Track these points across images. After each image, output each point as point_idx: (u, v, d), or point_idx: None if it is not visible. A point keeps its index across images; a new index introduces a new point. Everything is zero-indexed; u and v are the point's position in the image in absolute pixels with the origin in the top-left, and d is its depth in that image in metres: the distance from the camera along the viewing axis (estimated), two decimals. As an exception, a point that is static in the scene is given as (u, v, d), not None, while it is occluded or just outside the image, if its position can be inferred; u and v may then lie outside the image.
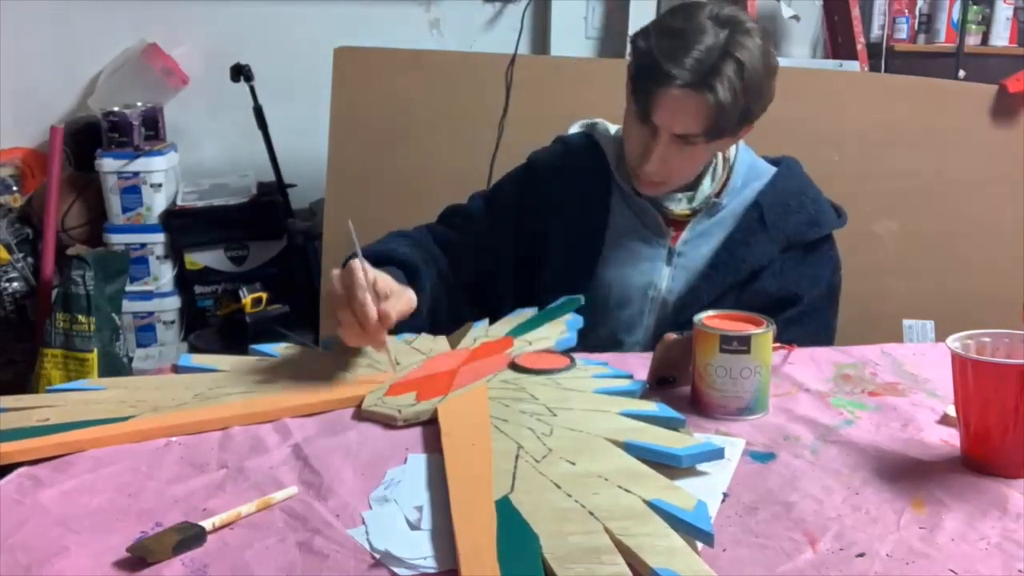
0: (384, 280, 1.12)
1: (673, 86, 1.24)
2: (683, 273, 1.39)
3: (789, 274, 1.40)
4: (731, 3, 1.30)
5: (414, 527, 0.80)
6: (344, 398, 1.08)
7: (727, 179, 1.42)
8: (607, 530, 0.76)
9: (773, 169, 1.44)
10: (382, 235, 1.39)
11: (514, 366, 1.16)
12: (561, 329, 1.28)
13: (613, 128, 1.49)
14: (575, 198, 1.41)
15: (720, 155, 1.41)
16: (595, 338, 1.37)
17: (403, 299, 1.14)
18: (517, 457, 0.90)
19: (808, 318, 1.40)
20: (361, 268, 1.10)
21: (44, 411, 1.03)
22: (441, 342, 1.27)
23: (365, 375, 1.15)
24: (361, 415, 1.04)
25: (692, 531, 0.76)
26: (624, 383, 1.11)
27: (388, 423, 1.02)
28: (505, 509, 0.80)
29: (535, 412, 1.02)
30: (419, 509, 0.82)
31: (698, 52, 1.23)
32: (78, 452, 0.94)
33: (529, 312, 1.34)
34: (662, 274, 1.40)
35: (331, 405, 1.06)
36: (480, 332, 1.29)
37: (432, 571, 0.73)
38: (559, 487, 0.84)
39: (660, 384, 1.11)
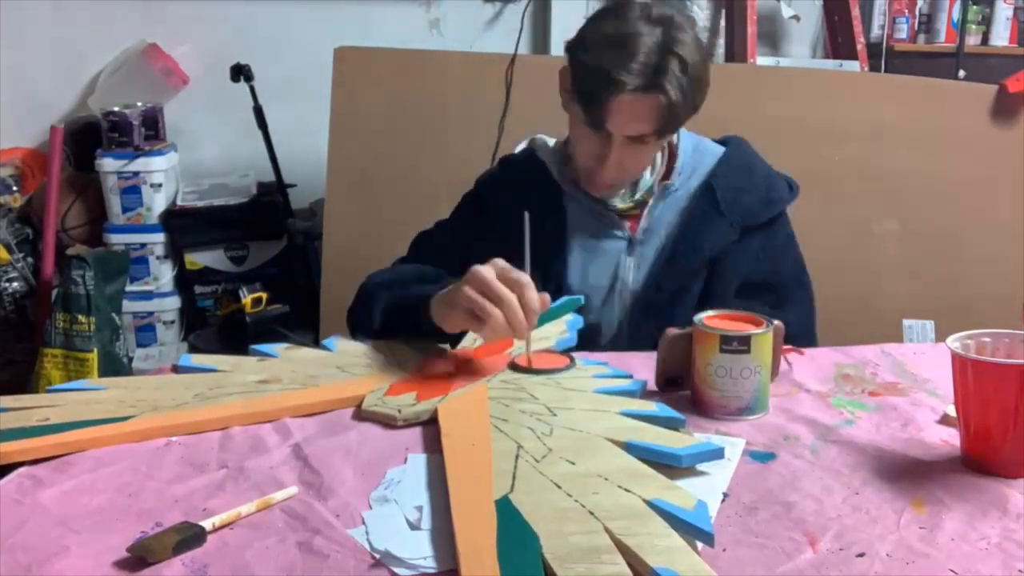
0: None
1: (624, 92, 1.25)
2: (645, 263, 1.40)
3: (753, 256, 1.41)
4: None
5: (414, 527, 0.80)
6: (344, 398, 1.08)
7: (671, 163, 1.43)
8: (607, 530, 0.76)
9: (721, 149, 1.45)
10: (383, 233, 1.39)
11: (514, 367, 1.16)
12: (561, 329, 1.28)
13: (551, 140, 1.50)
14: (528, 209, 1.40)
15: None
16: None
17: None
18: (517, 457, 0.90)
19: (790, 300, 1.42)
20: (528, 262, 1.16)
21: (44, 411, 1.03)
22: None
23: (365, 375, 1.15)
24: (361, 415, 1.04)
25: (692, 531, 0.76)
26: (624, 383, 1.11)
27: (388, 423, 1.02)
28: (505, 509, 0.80)
29: (535, 412, 1.02)
30: (419, 509, 0.82)
31: (642, 55, 1.24)
32: (78, 452, 0.94)
33: None
34: (626, 266, 1.41)
35: (331, 405, 1.06)
36: None
37: (432, 571, 0.73)
38: (559, 487, 0.84)
39: (669, 384, 1.11)
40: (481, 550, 0.74)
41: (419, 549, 0.76)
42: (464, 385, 1.10)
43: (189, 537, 0.76)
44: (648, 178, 1.41)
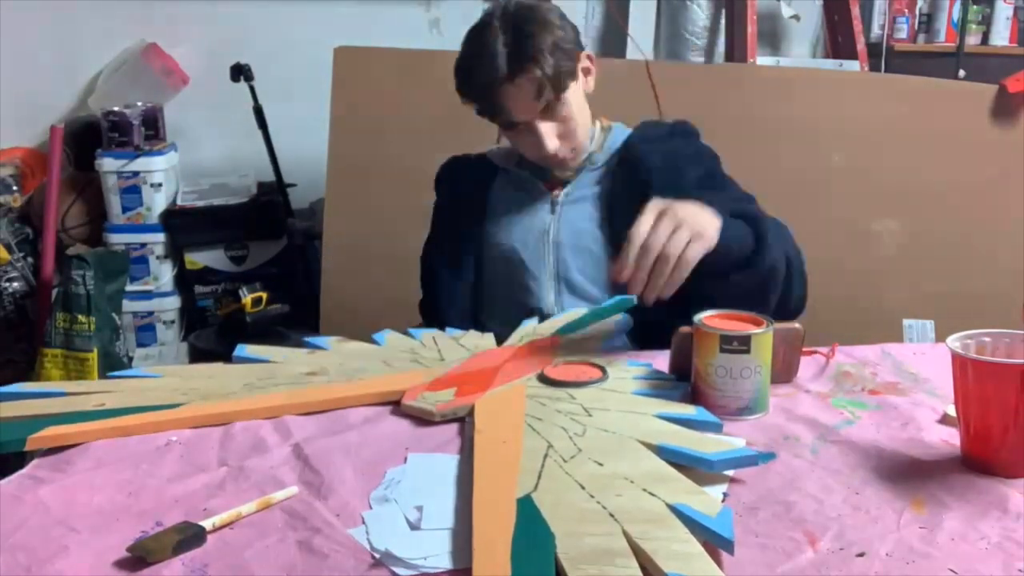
0: None
1: (498, 85, 1.34)
2: (568, 220, 1.46)
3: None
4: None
5: (414, 527, 0.80)
6: (386, 392, 1.09)
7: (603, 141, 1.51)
8: (625, 533, 0.76)
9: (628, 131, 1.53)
10: (383, 233, 1.41)
11: (542, 378, 1.13)
12: (610, 329, 1.28)
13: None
14: (465, 193, 1.55)
15: (598, 123, 1.50)
16: (509, 292, 1.45)
17: None
18: (545, 456, 0.90)
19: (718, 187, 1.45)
20: None
21: (101, 396, 1.07)
22: (488, 339, 1.29)
23: (409, 369, 1.16)
24: (402, 410, 1.05)
25: (712, 537, 0.75)
26: (665, 385, 1.10)
27: (426, 418, 1.03)
28: (526, 507, 0.80)
29: (570, 412, 1.02)
30: (419, 509, 0.82)
31: (497, 44, 1.33)
32: (130, 436, 0.97)
33: (579, 311, 1.34)
34: (547, 220, 1.46)
35: (374, 398, 1.08)
36: (528, 330, 1.30)
37: (432, 571, 0.73)
38: (583, 487, 0.84)
39: (681, 380, 1.11)
40: (495, 547, 0.74)
41: (419, 549, 0.76)
42: (505, 383, 1.10)
43: (189, 537, 0.76)
44: (588, 145, 1.48)
